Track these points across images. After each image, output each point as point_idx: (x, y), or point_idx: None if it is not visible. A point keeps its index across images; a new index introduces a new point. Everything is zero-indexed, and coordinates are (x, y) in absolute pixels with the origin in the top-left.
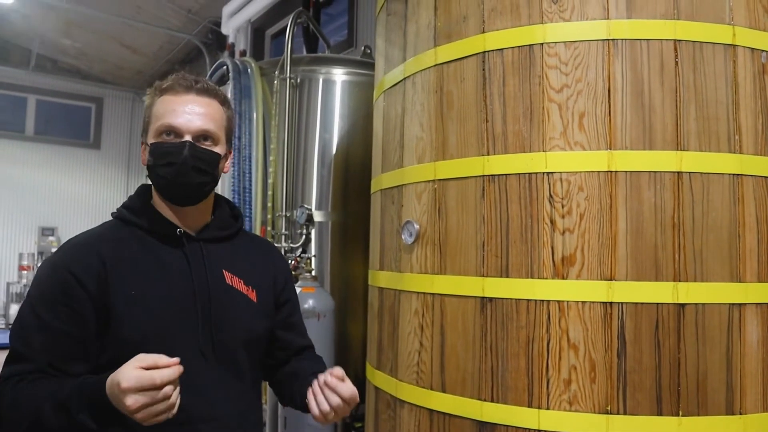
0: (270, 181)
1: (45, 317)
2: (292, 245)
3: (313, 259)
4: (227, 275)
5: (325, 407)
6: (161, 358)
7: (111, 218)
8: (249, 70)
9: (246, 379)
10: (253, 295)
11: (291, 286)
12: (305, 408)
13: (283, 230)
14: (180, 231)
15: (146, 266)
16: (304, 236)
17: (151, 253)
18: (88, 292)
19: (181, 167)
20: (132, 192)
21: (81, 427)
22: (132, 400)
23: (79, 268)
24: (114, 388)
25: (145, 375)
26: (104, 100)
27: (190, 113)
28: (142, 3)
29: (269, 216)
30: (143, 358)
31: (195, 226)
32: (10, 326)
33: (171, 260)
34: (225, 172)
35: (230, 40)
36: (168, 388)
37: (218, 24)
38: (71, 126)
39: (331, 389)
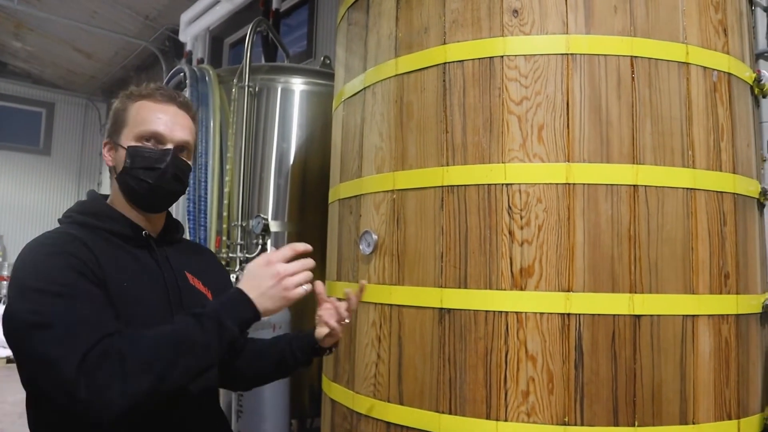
0: (226, 190)
1: (67, 289)
2: (247, 255)
3: None
4: (188, 276)
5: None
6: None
7: (59, 225)
8: (207, 77)
9: (214, 373)
10: (209, 295)
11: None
12: (309, 348)
13: (239, 240)
14: (145, 233)
15: (125, 263)
16: (260, 246)
17: (122, 253)
18: (92, 270)
19: (163, 173)
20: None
21: (230, 337)
22: (282, 268)
23: (75, 250)
24: (260, 268)
25: (282, 250)
26: (56, 106)
27: (174, 123)
28: (98, 7)
29: (224, 225)
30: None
31: (155, 230)
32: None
33: (141, 261)
34: None
35: (188, 47)
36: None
37: (176, 31)
38: (20, 131)
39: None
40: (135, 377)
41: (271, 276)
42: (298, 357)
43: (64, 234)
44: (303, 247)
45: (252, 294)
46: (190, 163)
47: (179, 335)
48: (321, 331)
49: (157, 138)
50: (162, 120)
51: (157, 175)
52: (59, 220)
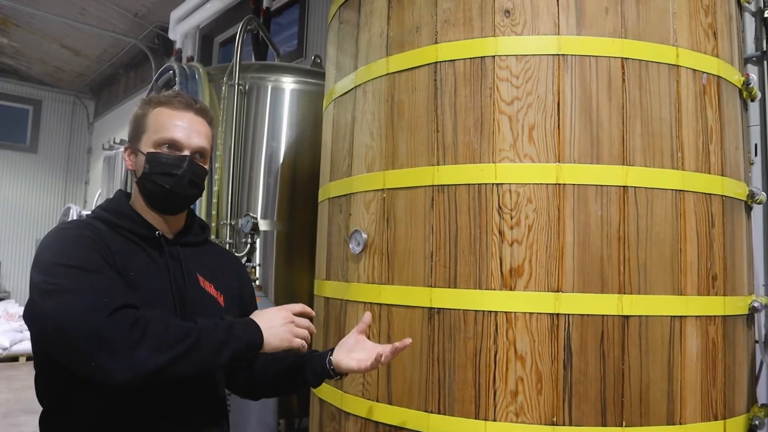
0: (215, 188)
1: (89, 265)
2: (236, 254)
3: (257, 268)
4: (200, 278)
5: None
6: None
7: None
8: (196, 75)
9: (217, 373)
10: (221, 300)
11: (254, 299)
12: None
13: (228, 239)
14: (158, 233)
15: (135, 258)
16: (249, 245)
17: (136, 250)
18: (108, 254)
19: (180, 179)
20: (71, 198)
21: (236, 348)
22: (292, 317)
23: (93, 234)
24: (275, 311)
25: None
26: (43, 103)
27: (191, 130)
28: (87, 4)
29: (213, 224)
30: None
31: (172, 231)
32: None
33: (152, 259)
34: None
35: (177, 45)
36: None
37: (165, 29)
38: (7, 128)
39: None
40: (151, 351)
41: (281, 318)
42: (309, 380)
43: (83, 223)
44: (311, 311)
45: (262, 326)
46: (206, 167)
47: (198, 331)
48: (348, 363)
49: (175, 145)
50: (179, 127)
51: (174, 181)
52: (87, 215)
